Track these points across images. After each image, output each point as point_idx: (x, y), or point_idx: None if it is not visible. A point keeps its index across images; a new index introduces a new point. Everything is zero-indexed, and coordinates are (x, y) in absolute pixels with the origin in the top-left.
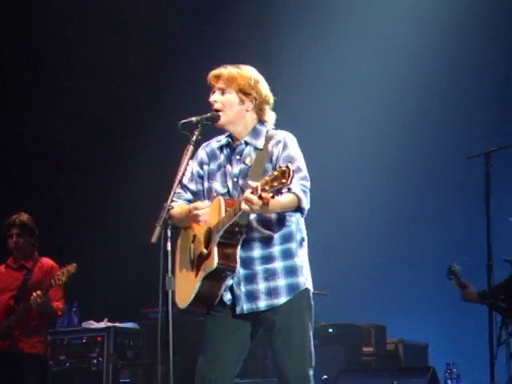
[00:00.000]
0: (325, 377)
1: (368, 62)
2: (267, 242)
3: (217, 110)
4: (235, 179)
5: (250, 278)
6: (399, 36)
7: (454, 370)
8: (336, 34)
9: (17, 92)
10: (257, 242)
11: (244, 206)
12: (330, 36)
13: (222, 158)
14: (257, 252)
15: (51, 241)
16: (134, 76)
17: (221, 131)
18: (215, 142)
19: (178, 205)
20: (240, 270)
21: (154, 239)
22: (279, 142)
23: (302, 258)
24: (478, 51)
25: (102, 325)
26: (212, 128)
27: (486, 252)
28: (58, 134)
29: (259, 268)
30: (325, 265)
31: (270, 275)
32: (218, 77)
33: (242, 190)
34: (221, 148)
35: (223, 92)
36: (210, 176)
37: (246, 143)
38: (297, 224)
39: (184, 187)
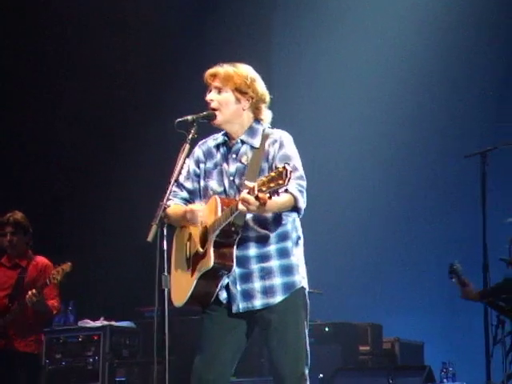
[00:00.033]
0: (321, 375)
1: (365, 61)
2: (263, 240)
3: (213, 109)
4: (231, 178)
5: (246, 277)
6: (396, 35)
7: (450, 369)
8: (334, 33)
9: (17, 92)
10: (253, 240)
11: (241, 207)
12: (328, 35)
13: (218, 156)
14: (252, 251)
15: (51, 241)
16: (134, 76)
17: (217, 129)
18: (212, 141)
19: (174, 204)
20: (236, 269)
21: (150, 238)
22: (275, 141)
23: (297, 257)
24: (474, 51)
25: (98, 323)
26: (208, 126)
27: (482, 251)
28: (57, 134)
29: (255, 267)
30: (322, 263)
31: (265, 274)
32: (214, 75)
33: (238, 189)
34: (217, 146)
35: (220, 91)
36: (207, 174)
37: (243, 142)
38: (293, 223)
39: (180, 186)
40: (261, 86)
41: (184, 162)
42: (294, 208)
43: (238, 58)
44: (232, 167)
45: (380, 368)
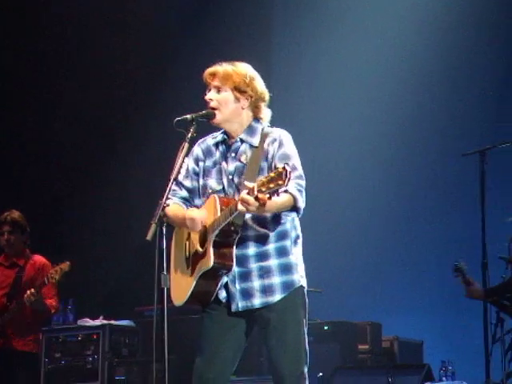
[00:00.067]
0: (320, 374)
1: (365, 61)
2: (262, 239)
3: (213, 108)
4: (230, 177)
5: (245, 276)
6: (396, 35)
7: (449, 368)
8: (334, 33)
9: (17, 92)
10: (252, 239)
11: (240, 207)
12: (328, 35)
13: (217, 154)
14: (251, 250)
15: (51, 240)
16: (134, 76)
17: (216, 128)
18: (211, 139)
19: (174, 203)
20: (235, 268)
21: (149, 237)
22: (275, 139)
23: (296, 256)
24: (474, 51)
25: (98, 322)
26: (208, 125)
27: (481, 250)
28: (57, 134)
29: (254, 266)
30: (321, 262)
31: (264, 273)
32: (213, 74)
33: (237, 188)
34: (216, 145)
35: (219, 90)
36: (206, 173)
37: (242, 141)
38: (292, 222)
39: (179, 184)
40: (260, 85)
41: (183, 161)
42: (294, 208)
43: (238, 58)
44: (231, 166)
45: (379, 367)
